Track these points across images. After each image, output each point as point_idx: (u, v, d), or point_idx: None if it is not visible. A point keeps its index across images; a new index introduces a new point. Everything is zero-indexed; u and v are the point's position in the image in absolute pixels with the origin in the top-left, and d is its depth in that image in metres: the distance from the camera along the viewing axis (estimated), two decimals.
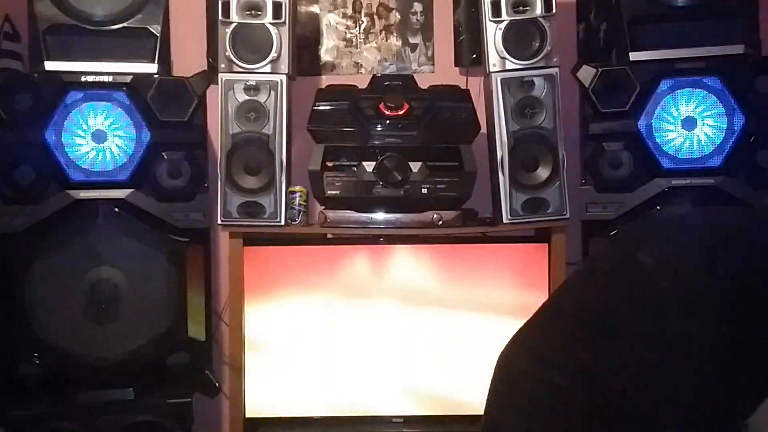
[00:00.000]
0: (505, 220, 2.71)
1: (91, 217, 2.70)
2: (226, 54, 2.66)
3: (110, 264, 2.70)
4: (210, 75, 2.83)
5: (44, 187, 2.70)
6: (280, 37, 2.67)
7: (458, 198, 2.75)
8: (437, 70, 3.28)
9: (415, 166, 2.70)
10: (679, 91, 2.73)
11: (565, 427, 1.10)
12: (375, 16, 3.29)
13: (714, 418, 0.96)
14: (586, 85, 2.76)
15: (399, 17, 3.29)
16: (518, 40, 2.68)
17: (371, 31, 3.29)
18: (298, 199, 2.73)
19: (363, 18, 3.29)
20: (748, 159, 2.70)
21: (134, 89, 2.72)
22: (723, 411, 0.97)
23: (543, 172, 2.71)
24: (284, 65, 2.69)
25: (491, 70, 2.70)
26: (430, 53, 3.29)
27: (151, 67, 2.74)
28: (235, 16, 2.65)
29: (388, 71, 3.26)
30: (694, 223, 1.18)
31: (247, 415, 2.77)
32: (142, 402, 2.72)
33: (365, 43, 3.29)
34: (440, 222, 2.72)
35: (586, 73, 2.76)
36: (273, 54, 2.67)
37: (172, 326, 2.73)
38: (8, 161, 2.66)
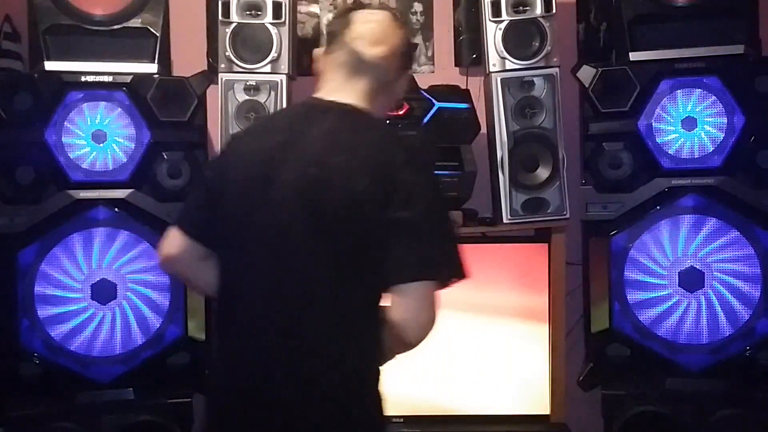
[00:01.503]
0: (505, 220, 2.71)
1: (91, 217, 2.70)
2: (226, 54, 2.66)
3: (110, 264, 2.70)
4: (210, 75, 2.83)
5: (44, 187, 2.69)
6: (280, 37, 2.66)
7: (458, 198, 2.75)
8: (437, 70, 3.28)
9: None
10: (679, 91, 2.74)
11: None
12: None
13: None
14: (586, 85, 2.76)
15: None
16: (518, 40, 2.68)
17: None
18: None
19: None
20: (748, 159, 2.71)
21: (134, 89, 2.72)
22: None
23: (543, 172, 2.71)
24: (284, 65, 2.69)
25: (491, 70, 2.70)
26: (430, 53, 3.29)
27: (151, 67, 2.74)
28: (235, 16, 2.65)
29: None
30: None
31: None
32: (142, 402, 2.72)
33: None
34: None
35: (586, 73, 2.76)
36: (273, 54, 2.66)
37: (172, 326, 2.73)
38: (8, 161, 2.66)
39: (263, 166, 1.62)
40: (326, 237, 1.56)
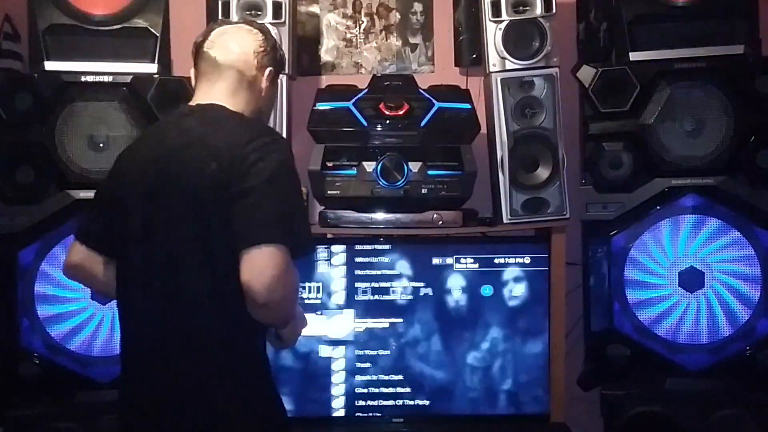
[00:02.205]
0: (505, 220, 2.71)
1: None
2: None
3: None
4: None
5: (44, 187, 2.70)
6: (280, 37, 2.66)
7: (458, 198, 2.75)
8: (437, 70, 3.28)
9: (415, 166, 2.70)
10: (679, 91, 2.73)
11: None
12: (375, 16, 3.29)
13: None
14: (586, 85, 2.76)
15: (399, 17, 3.29)
16: (518, 40, 2.68)
17: (371, 31, 3.29)
18: None
19: (363, 18, 3.29)
20: (748, 159, 2.71)
21: (134, 89, 2.72)
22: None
23: (543, 172, 2.71)
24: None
25: (491, 70, 2.70)
26: (430, 53, 3.29)
27: (151, 67, 2.74)
28: (235, 16, 2.65)
29: (388, 71, 3.26)
30: None
31: None
32: None
33: (365, 43, 3.29)
34: (440, 222, 2.72)
35: (586, 73, 2.76)
36: None
37: None
38: (8, 161, 2.66)
39: (143, 172, 1.83)
40: (195, 220, 1.75)
